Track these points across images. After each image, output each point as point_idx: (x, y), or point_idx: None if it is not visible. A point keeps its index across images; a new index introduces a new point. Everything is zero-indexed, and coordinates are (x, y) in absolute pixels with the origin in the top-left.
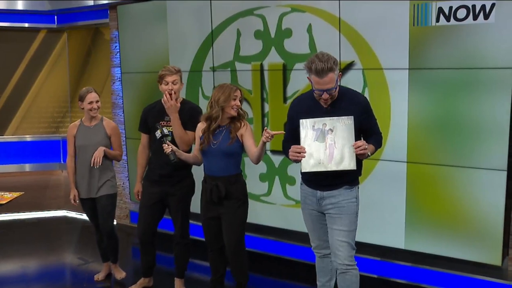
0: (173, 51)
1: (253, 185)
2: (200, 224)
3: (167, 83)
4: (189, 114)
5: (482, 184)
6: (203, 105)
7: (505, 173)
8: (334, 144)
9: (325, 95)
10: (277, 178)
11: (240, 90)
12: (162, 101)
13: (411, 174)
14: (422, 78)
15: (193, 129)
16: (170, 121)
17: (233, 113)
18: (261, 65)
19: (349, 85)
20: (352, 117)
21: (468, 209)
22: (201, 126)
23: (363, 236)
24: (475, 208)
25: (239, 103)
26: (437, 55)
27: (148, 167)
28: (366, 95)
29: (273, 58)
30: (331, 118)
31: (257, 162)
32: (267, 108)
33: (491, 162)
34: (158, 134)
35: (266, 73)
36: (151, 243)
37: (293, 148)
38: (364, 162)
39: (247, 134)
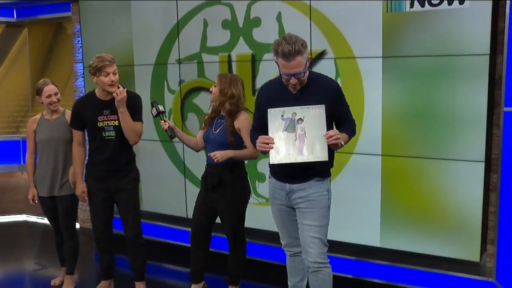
0: (137, 43)
1: None
2: (158, 224)
3: (108, 74)
4: (131, 103)
5: (459, 177)
6: (169, 99)
7: (483, 164)
8: (304, 134)
9: (293, 80)
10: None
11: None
12: (114, 94)
13: (386, 167)
14: (396, 66)
15: (140, 117)
16: (110, 114)
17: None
18: (229, 56)
19: None
20: (324, 106)
21: (445, 204)
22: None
23: (336, 234)
24: (452, 202)
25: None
26: (412, 42)
27: (89, 164)
28: (339, 84)
29: (241, 49)
30: (301, 107)
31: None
32: None
33: (468, 153)
34: (153, 112)
35: (234, 65)
36: (109, 241)
37: (261, 138)
38: (337, 156)
39: (241, 129)
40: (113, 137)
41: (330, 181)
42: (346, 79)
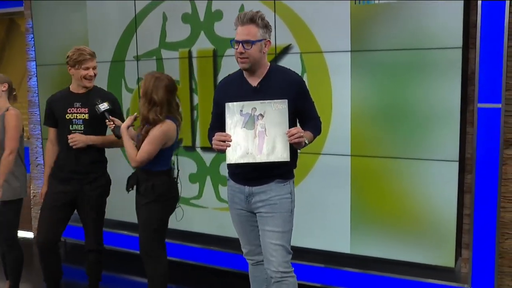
0: (93, 39)
1: (182, 187)
2: (117, 232)
3: (87, 69)
4: (114, 102)
5: (433, 178)
6: (127, 98)
7: (457, 164)
8: (264, 132)
9: (240, 48)
10: (208, 178)
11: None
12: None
13: (355, 168)
14: (366, 61)
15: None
16: (80, 107)
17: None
18: (190, 52)
19: None
20: (286, 101)
21: (418, 206)
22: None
23: (303, 240)
24: (425, 205)
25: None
26: (381, 35)
27: (56, 165)
28: (305, 80)
29: (203, 44)
30: (262, 101)
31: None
32: (196, 100)
33: (441, 152)
34: (99, 108)
35: (195, 61)
36: (55, 252)
37: (217, 135)
38: (304, 157)
39: (148, 137)
40: (81, 132)
41: (293, 183)
42: (313, 75)
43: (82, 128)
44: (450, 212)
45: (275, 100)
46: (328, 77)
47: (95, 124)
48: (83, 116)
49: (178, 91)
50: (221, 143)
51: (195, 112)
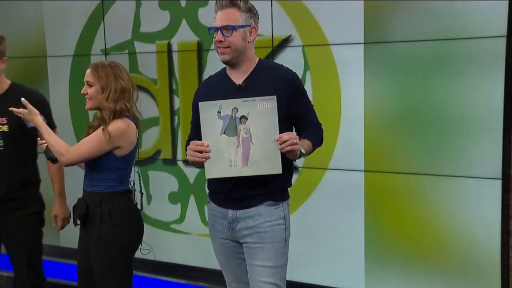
0: (50, 29)
1: (160, 208)
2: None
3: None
4: (39, 104)
5: (468, 199)
6: None
7: (500, 182)
8: (249, 138)
9: (219, 36)
10: (192, 198)
11: (89, 68)
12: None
13: (370, 187)
14: (383, 55)
15: (54, 125)
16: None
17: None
18: (169, 45)
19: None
20: (275, 97)
21: (449, 235)
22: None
23: (305, 275)
24: (459, 233)
25: (84, 90)
26: (402, 23)
27: None
28: (308, 80)
29: (185, 35)
30: (244, 99)
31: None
32: (177, 103)
33: (479, 168)
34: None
35: (175, 56)
36: None
37: (192, 145)
38: (307, 173)
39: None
40: (1, 148)
41: (287, 205)
42: (318, 72)
43: (2, 144)
44: (492, 243)
45: (261, 98)
46: (337, 75)
47: (21, 140)
48: (1, 128)
49: (155, 92)
50: (198, 154)
51: (175, 118)
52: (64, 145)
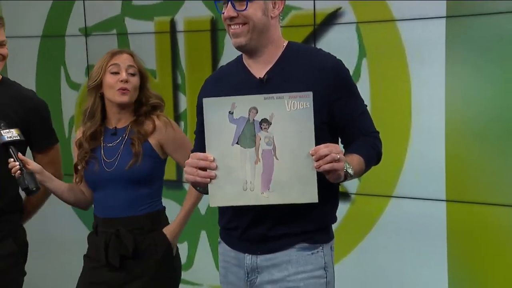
0: (8, 9)
1: None
2: None
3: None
4: (33, 119)
5: None
6: (69, 99)
7: None
8: (273, 151)
9: (229, 10)
10: (203, 235)
11: (129, 54)
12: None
13: (455, 222)
14: (472, 34)
15: (52, 142)
16: None
17: (118, 98)
18: (172, 23)
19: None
20: (311, 93)
21: None
22: (78, 134)
23: None
24: None
25: (125, 77)
26: None
27: None
28: (364, 72)
29: (194, 9)
30: (266, 96)
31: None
32: (183, 103)
33: None
34: (3, 137)
35: (181, 38)
36: None
37: (192, 159)
38: (362, 202)
39: (171, 142)
40: None
41: (331, 249)
42: (379, 59)
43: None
44: None
45: (291, 94)
46: (405, 64)
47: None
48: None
49: (154, 88)
50: (199, 172)
51: (181, 123)
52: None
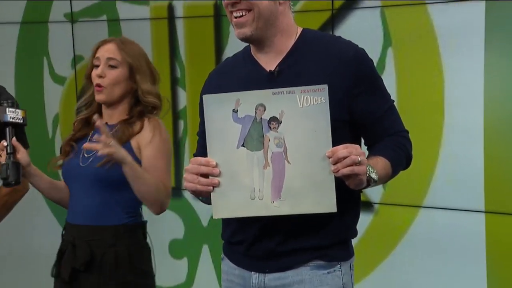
0: None
1: (157, 265)
2: None
3: None
4: None
5: None
6: (53, 94)
7: None
8: (284, 154)
9: None
10: (205, 249)
11: (114, 43)
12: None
13: (495, 237)
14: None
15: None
16: None
17: (95, 97)
18: (170, 8)
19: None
20: (326, 87)
21: None
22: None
23: None
24: None
25: (98, 71)
26: None
27: None
28: (389, 62)
29: None
30: (275, 91)
31: (152, 208)
32: (183, 99)
33: None
34: (3, 115)
35: (180, 24)
36: None
37: (192, 164)
38: (388, 212)
39: (149, 147)
40: None
41: (351, 268)
42: (406, 48)
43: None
44: None
45: (304, 88)
46: (437, 52)
47: None
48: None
49: None
50: (200, 179)
51: (180, 122)
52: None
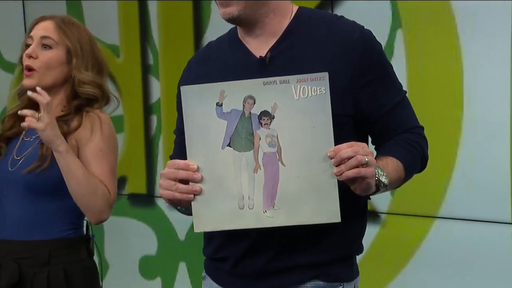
0: None
1: (125, 286)
2: None
3: None
4: None
5: None
6: (1, 81)
7: None
8: (277, 155)
9: None
10: (182, 267)
11: (52, 20)
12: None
13: None
14: None
15: None
16: None
17: (23, 82)
18: None
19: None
20: (327, 75)
21: None
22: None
23: None
24: None
25: (29, 51)
26: None
27: None
28: (399, 47)
29: None
30: (266, 80)
31: (88, 215)
32: (156, 90)
33: None
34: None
35: (153, 4)
36: None
37: (169, 168)
38: (398, 223)
39: (88, 146)
40: None
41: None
42: (418, 30)
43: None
44: None
45: (300, 76)
46: (454, 35)
47: None
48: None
49: (117, 69)
50: (179, 185)
51: (153, 118)
52: (94, 178)
